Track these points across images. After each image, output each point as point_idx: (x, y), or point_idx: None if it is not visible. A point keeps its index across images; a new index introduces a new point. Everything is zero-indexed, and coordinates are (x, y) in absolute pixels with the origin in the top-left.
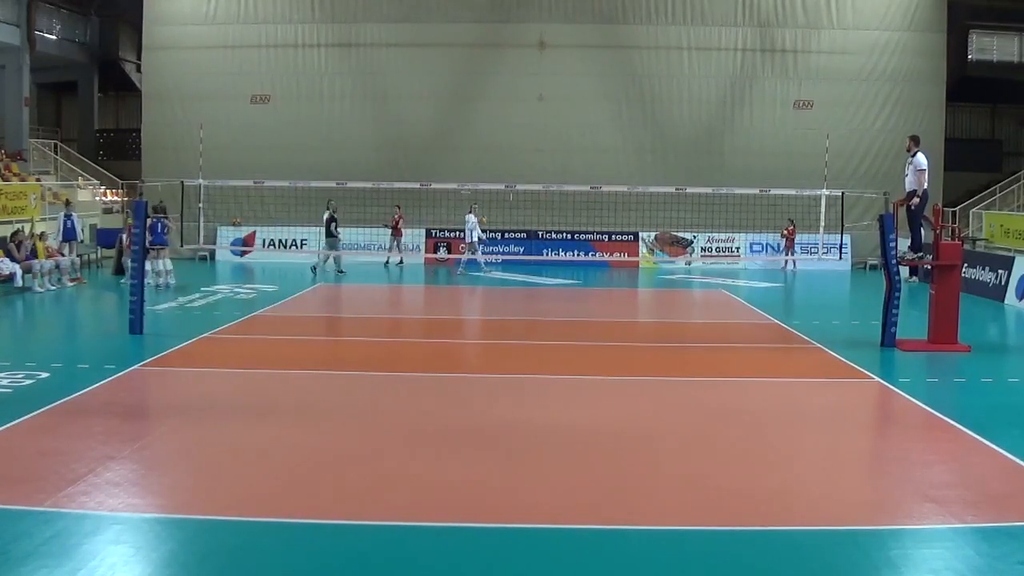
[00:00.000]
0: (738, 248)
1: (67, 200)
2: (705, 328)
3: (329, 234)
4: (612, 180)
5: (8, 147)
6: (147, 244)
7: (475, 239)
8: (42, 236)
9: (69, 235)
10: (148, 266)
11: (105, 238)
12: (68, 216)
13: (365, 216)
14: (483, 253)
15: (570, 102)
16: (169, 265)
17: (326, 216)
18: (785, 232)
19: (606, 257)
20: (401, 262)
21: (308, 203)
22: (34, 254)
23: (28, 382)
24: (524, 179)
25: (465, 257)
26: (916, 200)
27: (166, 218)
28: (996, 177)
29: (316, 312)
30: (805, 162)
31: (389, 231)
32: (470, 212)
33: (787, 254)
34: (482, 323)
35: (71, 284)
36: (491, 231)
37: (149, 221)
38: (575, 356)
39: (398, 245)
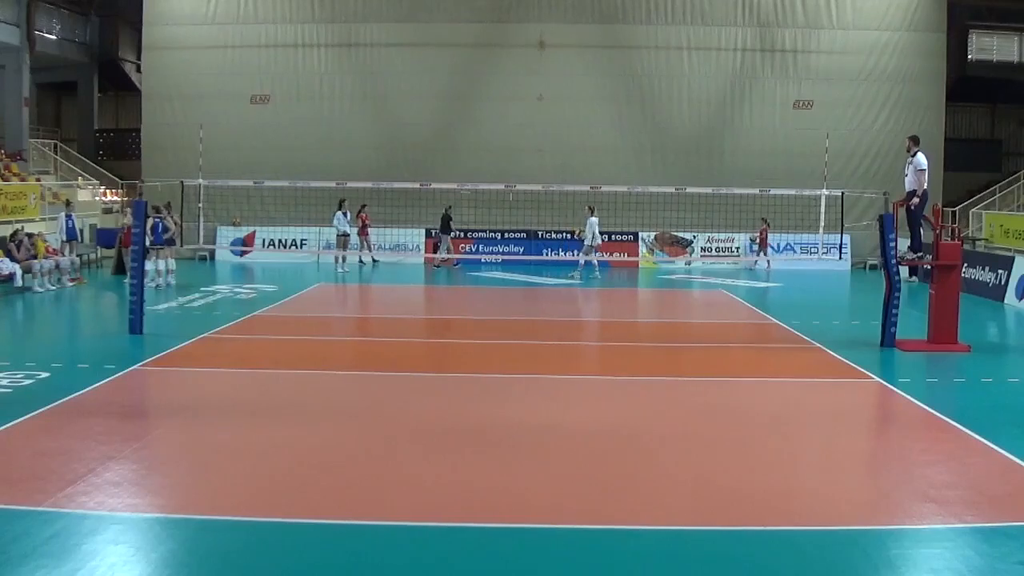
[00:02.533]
0: (738, 248)
1: (67, 200)
2: (705, 328)
3: (446, 230)
4: (612, 180)
5: (8, 147)
6: (147, 244)
7: (596, 242)
8: (40, 235)
9: (69, 235)
10: (149, 266)
11: (105, 238)
12: (68, 216)
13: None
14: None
15: (570, 102)
16: (172, 265)
17: (443, 215)
18: (759, 232)
19: (606, 257)
20: (366, 262)
21: (308, 203)
22: (34, 254)
23: (28, 382)
24: (524, 179)
25: (583, 259)
26: (916, 200)
27: (167, 217)
28: (996, 177)
29: (316, 312)
30: (805, 162)
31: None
32: (593, 215)
33: (760, 254)
34: (482, 323)
35: (71, 284)
36: (491, 231)
37: (149, 221)
38: (575, 356)
39: (367, 245)
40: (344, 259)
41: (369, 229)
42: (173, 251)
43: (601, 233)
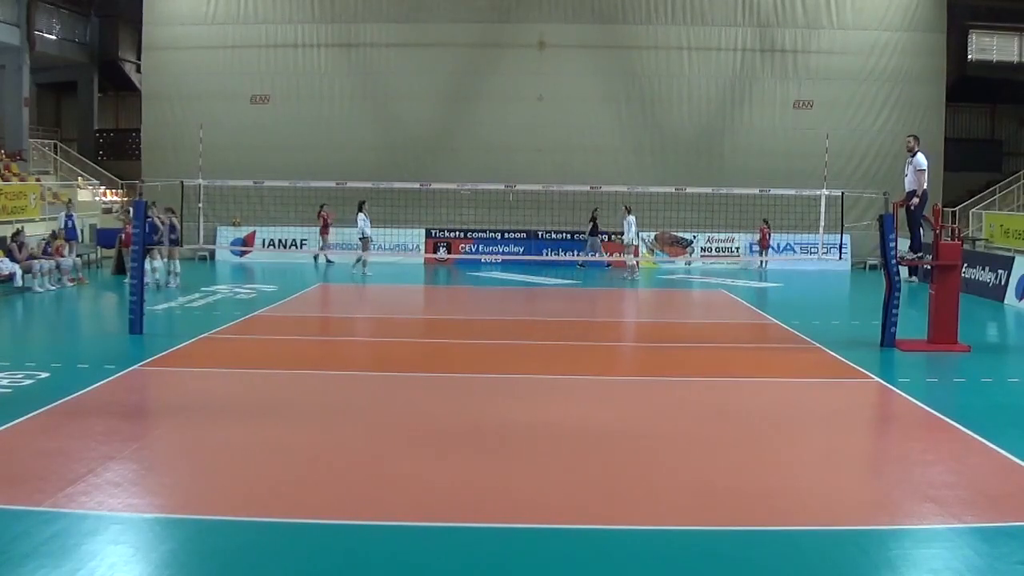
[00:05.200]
0: (738, 248)
1: (68, 200)
2: (705, 328)
3: (593, 232)
4: (612, 180)
5: (8, 147)
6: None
7: (637, 242)
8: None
9: (70, 235)
10: (148, 265)
11: (105, 238)
12: (68, 216)
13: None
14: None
15: (570, 102)
16: (167, 266)
17: (591, 217)
18: (760, 232)
19: (606, 257)
20: (329, 262)
21: (308, 203)
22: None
23: (28, 382)
24: (524, 179)
25: (630, 261)
26: (916, 200)
27: (155, 216)
28: (996, 177)
29: (316, 312)
30: (805, 162)
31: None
32: (631, 214)
33: (762, 254)
34: (482, 323)
35: (71, 284)
36: (491, 231)
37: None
38: (575, 356)
39: (325, 245)
40: (365, 262)
41: (331, 228)
42: (167, 251)
43: (601, 233)
